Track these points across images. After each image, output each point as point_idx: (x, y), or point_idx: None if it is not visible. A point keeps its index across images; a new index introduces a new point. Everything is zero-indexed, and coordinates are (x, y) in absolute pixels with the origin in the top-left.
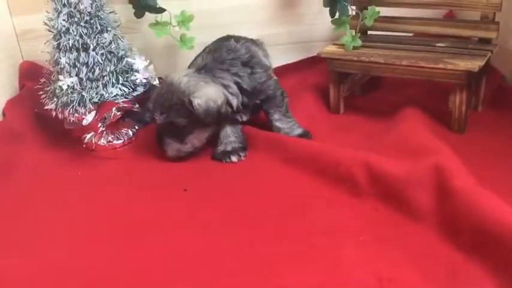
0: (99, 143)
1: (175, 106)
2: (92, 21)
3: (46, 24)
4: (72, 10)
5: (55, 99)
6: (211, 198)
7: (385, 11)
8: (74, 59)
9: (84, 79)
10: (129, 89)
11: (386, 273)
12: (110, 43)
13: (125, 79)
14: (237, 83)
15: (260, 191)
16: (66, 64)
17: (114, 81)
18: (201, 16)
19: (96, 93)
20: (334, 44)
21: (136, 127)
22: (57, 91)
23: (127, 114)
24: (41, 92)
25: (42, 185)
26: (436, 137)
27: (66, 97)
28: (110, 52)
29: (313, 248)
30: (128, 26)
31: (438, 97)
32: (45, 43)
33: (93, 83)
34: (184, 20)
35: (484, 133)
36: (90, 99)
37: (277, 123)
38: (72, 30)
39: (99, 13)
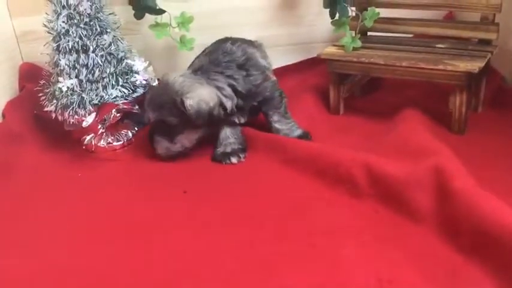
0: (98, 144)
1: (167, 105)
2: (91, 23)
3: (45, 26)
4: (72, 12)
5: (55, 101)
6: (211, 199)
7: (384, 12)
8: (74, 61)
9: (84, 81)
10: (128, 91)
11: (387, 274)
12: (110, 45)
13: (125, 81)
14: (231, 86)
15: (260, 192)
16: (66, 66)
17: (113, 82)
18: (201, 17)
19: (96, 95)
20: (334, 45)
21: (136, 128)
22: (56, 93)
23: (126, 115)
24: (40, 94)
25: (42, 186)
26: (436, 138)
27: (66, 99)
28: (110, 54)
29: (313, 248)
30: (127, 28)
31: (438, 98)
32: (44, 45)
33: (93, 84)
34: (184, 21)
35: (484, 134)
36: (90, 101)
37: (277, 125)
38: (72, 32)
39: (99, 15)
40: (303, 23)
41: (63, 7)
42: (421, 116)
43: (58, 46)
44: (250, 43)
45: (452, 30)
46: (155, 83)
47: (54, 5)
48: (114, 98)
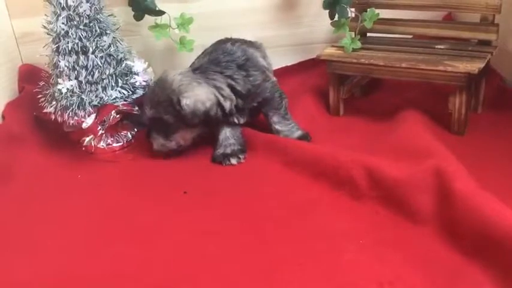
0: (98, 145)
1: (164, 103)
2: (91, 24)
3: (45, 27)
4: (71, 13)
5: (54, 102)
6: (211, 200)
7: (384, 13)
8: (73, 62)
9: (83, 82)
10: (128, 92)
11: (387, 276)
12: (109, 46)
13: (125, 82)
14: (230, 86)
15: (260, 193)
16: (66, 67)
17: (113, 84)
18: (201, 18)
19: (96, 96)
20: (334, 46)
21: (136, 130)
22: (56, 94)
23: (126, 117)
24: (40, 95)
25: (41, 187)
26: (436, 139)
27: (66, 100)
28: (109, 55)
29: (314, 251)
30: (127, 29)
31: (438, 99)
32: (44, 46)
33: (93, 86)
34: (184, 22)
35: (484, 135)
36: (89, 102)
37: (277, 126)
38: (71, 33)
39: (98, 16)
40: (303, 23)
41: (63, 8)
42: (421, 116)
43: (57, 47)
44: (251, 44)
45: (452, 31)
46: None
47: (54, 6)
48: (114, 99)
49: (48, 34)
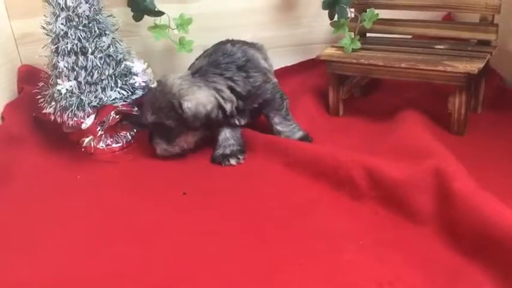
0: (97, 146)
1: (165, 108)
2: (90, 25)
3: (44, 28)
4: (71, 14)
5: (53, 103)
6: (211, 201)
7: (383, 14)
8: (73, 63)
9: (82, 83)
10: (127, 92)
11: (387, 276)
12: (109, 47)
13: (124, 82)
14: (230, 87)
15: (260, 194)
16: (65, 68)
17: (112, 84)
18: (200, 19)
19: (95, 97)
20: (333, 47)
21: (135, 130)
22: (55, 95)
23: (125, 117)
24: (39, 96)
25: (40, 188)
26: (436, 139)
27: (65, 101)
28: (109, 56)
29: (314, 251)
30: (126, 29)
31: (438, 99)
32: (43, 47)
33: (92, 86)
34: (183, 23)
35: (483, 135)
36: (89, 103)
37: (278, 127)
38: (71, 34)
39: (98, 17)
40: (302, 24)
41: (62, 9)
42: (420, 117)
43: (57, 48)
44: (252, 45)
45: (451, 31)
46: (154, 85)
47: (53, 7)
48: (113, 100)
49: (47, 35)
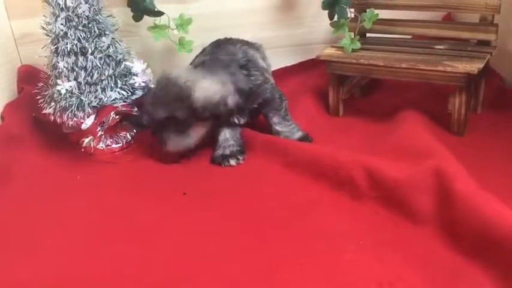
0: (97, 147)
1: (174, 101)
2: (90, 25)
3: (44, 28)
4: (70, 14)
5: (53, 103)
6: (211, 201)
7: (383, 14)
8: (72, 63)
9: (82, 83)
10: (127, 93)
11: (387, 276)
12: (108, 47)
13: (124, 83)
14: (233, 83)
15: (260, 194)
16: (64, 68)
17: (112, 85)
18: (200, 19)
19: (95, 97)
20: (333, 47)
21: (135, 131)
22: (55, 95)
23: (125, 117)
24: (39, 96)
25: (40, 188)
26: (436, 139)
27: (65, 101)
28: (108, 56)
29: (314, 251)
30: (126, 30)
31: (437, 99)
32: (43, 47)
33: (92, 87)
34: (183, 23)
35: (483, 135)
36: (88, 104)
37: (277, 127)
38: (70, 34)
39: (97, 17)
40: (302, 24)
41: (62, 9)
42: (420, 117)
43: (56, 48)
44: (251, 45)
45: (451, 32)
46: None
47: (53, 7)
48: (113, 100)
49: (47, 35)
